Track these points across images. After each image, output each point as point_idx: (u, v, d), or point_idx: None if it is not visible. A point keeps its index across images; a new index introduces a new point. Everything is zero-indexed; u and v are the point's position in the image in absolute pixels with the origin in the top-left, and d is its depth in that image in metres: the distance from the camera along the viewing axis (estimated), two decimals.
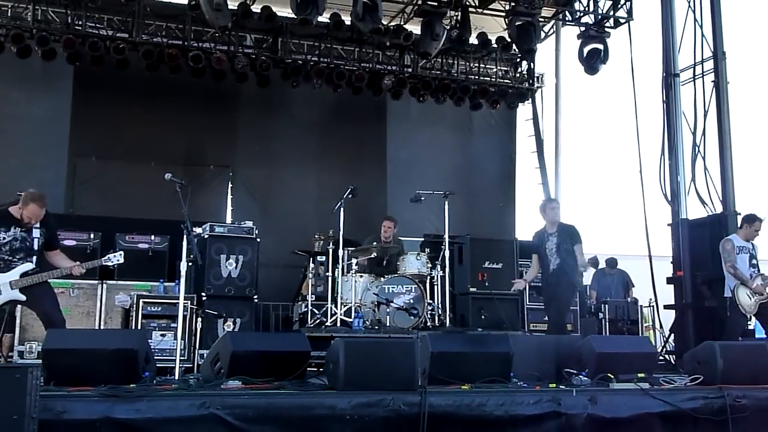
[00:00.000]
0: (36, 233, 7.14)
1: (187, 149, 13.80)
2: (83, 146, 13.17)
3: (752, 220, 9.41)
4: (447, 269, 10.42)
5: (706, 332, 9.85)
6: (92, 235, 10.18)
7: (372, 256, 10.42)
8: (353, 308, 9.79)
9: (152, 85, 13.16)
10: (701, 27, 11.41)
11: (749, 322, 9.57)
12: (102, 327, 9.47)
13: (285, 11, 12.30)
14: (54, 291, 7.37)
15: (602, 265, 14.10)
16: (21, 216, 7.07)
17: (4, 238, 7.05)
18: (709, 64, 11.33)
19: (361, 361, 5.86)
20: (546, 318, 9.98)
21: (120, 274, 9.95)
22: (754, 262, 9.30)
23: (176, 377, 7.26)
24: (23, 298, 7.02)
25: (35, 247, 7.13)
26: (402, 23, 13.70)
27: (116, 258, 7.54)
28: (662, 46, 11.74)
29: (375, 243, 10.60)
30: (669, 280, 11.37)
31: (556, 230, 9.25)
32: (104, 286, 9.72)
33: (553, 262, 9.10)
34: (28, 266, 7.05)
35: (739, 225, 9.65)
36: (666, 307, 11.63)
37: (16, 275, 7.00)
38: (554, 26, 15.34)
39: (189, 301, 8.96)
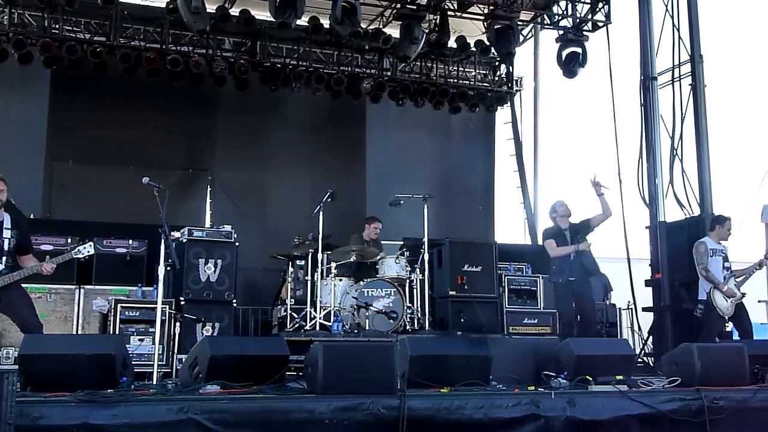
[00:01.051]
0: (6, 233, 7.00)
1: (165, 153, 13.72)
2: (60, 150, 13.08)
3: (722, 221, 9.48)
4: (426, 272, 10.42)
5: (684, 334, 9.89)
6: (69, 240, 10.07)
7: (352, 260, 10.39)
8: (332, 312, 9.76)
9: (130, 89, 13.08)
10: (678, 30, 11.53)
11: (726, 324, 9.63)
12: (80, 332, 9.39)
13: (264, 14, 12.26)
14: (29, 296, 7.28)
15: None
16: None
17: None
18: (687, 68, 11.44)
19: (340, 365, 5.86)
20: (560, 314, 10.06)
21: (98, 279, 9.90)
22: (726, 264, 9.37)
23: (154, 382, 7.20)
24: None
25: (5, 247, 6.98)
26: (381, 27, 13.72)
27: (86, 249, 7.33)
28: (640, 50, 11.83)
29: (355, 246, 10.58)
30: (647, 283, 11.45)
31: (568, 227, 9.57)
32: (82, 290, 9.65)
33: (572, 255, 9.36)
34: None
35: (709, 227, 9.71)
36: (644, 309, 11.70)
37: None
38: (533, 30, 15.41)
39: (167, 306, 8.89)
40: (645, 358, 10.96)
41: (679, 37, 11.51)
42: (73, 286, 9.63)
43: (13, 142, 12.73)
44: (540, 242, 14.79)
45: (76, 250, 7.38)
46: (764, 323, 11.87)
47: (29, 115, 12.99)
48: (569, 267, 9.28)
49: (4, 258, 6.96)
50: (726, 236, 9.44)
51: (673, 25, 11.56)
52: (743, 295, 9.23)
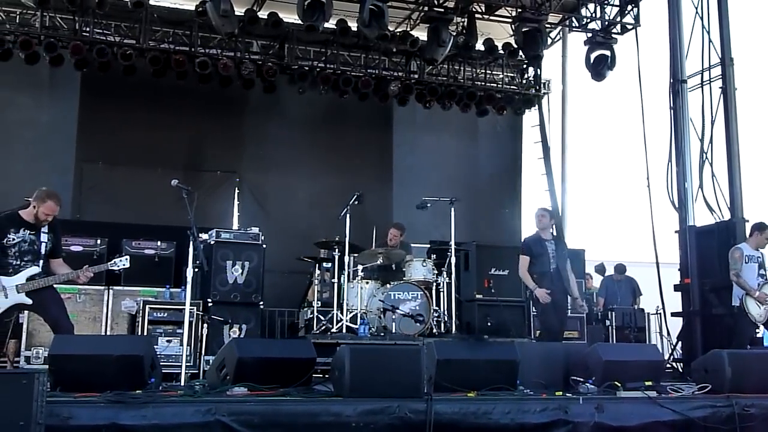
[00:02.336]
0: (44, 237, 7.09)
1: (193, 155, 13.84)
2: (90, 152, 13.22)
3: (763, 228, 9.36)
4: (453, 276, 10.40)
5: (714, 340, 9.81)
6: (99, 241, 10.21)
7: (378, 263, 10.39)
8: (359, 315, 9.77)
9: (159, 91, 13.20)
10: (709, 33, 11.39)
11: (758, 330, 9.51)
12: (108, 332, 9.47)
13: (291, 17, 12.30)
14: (61, 297, 7.35)
15: (609, 271, 14.04)
16: (36, 215, 6.99)
17: (13, 240, 6.96)
18: (717, 71, 11.30)
19: (366, 368, 5.85)
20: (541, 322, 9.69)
21: (126, 280, 9.96)
22: (762, 271, 9.26)
23: (182, 383, 7.25)
24: (29, 301, 6.95)
25: (42, 251, 7.08)
26: (408, 29, 13.72)
27: (122, 262, 7.41)
28: (669, 52, 11.70)
29: (381, 250, 10.57)
30: (676, 288, 11.32)
31: (551, 238, 9.36)
32: (110, 291, 9.73)
33: (551, 265, 9.09)
34: (35, 270, 6.99)
35: (748, 233, 9.59)
36: (673, 314, 11.57)
37: (23, 279, 6.93)
38: (561, 32, 15.33)
39: (195, 307, 8.97)
40: (674, 364, 10.84)
41: (710, 40, 11.38)
42: (102, 287, 9.71)
43: (43, 143, 12.91)
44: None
45: (112, 262, 7.44)
46: None
47: (59, 117, 13.16)
48: (550, 279, 9.08)
49: (41, 261, 7.05)
50: (764, 244, 9.35)
51: (703, 27, 11.43)
52: None
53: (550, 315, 9.11)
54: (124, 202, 12.92)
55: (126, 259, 7.44)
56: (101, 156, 13.28)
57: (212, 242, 9.73)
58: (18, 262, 6.96)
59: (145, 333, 9.03)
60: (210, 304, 9.49)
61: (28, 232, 7.05)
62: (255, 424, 5.27)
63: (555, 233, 9.61)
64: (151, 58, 12.51)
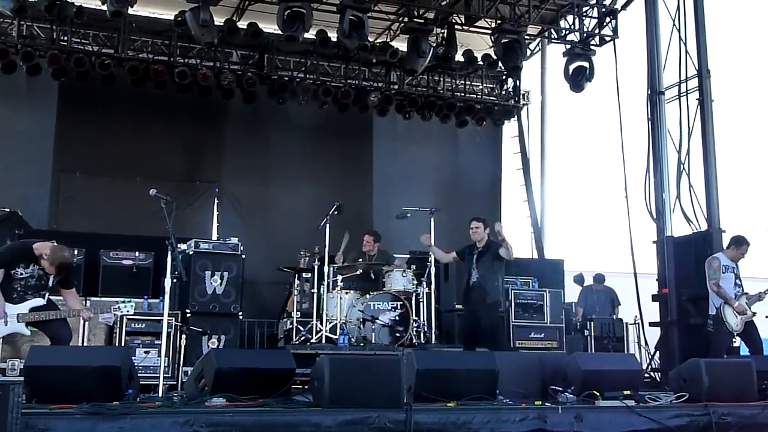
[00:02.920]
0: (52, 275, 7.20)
1: (173, 165, 13.78)
2: (68, 162, 13.13)
3: (740, 243, 9.40)
4: (433, 286, 10.40)
5: (691, 350, 9.86)
6: (76, 252, 10.07)
7: (358, 272, 10.38)
8: (338, 325, 9.75)
9: (138, 101, 13.15)
10: (686, 45, 11.51)
11: (734, 340, 9.58)
12: (86, 344, 9.37)
13: (271, 27, 12.30)
14: (60, 309, 7.33)
15: (588, 281, 14.11)
16: (45, 262, 7.06)
17: (21, 274, 7.04)
18: (694, 82, 11.42)
19: (346, 379, 5.83)
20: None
21: (104, 291, 9.90)
22: (738, 281, 9.33)
23: (160, 394, 7.19)
24: (27, 333, 7.05)
25: (49, 284, 7.19)
26: (388, 40, 13.78)
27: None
28: (647, 64, 11.82)
29: (360, 259, 10.56)
30: (654, 298, 11.40)
31: (483, 246, 9.56)
32: (88, 302, 9.59)
33: (473, 275, 9.36)
34: (39, 302, 7.07)
35: (726, 245, 9.66)
36: (651, 324, 11.64)
37: (26, 309, 7.01)
38: (540, 44, 15.45)
39: (173, 318, 8.90)
40: (652, 373, 10.90)
41: (687, 52, 11.50)
42: (80, 298, 9.59)
43: (20, 153, 12.80)
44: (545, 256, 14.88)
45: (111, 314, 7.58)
46: None
47: (37, 127, 13.06)
48: (465, 295, 9.47)
49: (46, 294, 7.15)
50: (739, 258, 9.40)
51: (680, 39, 11.55)
52: (754, 313, 9.19)
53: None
54: (101, 212, 12.82)
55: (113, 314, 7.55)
56: (79, 166, 13.19)
57: (191, 252, 9.67)
58: (23, 293, 7.05)
59: (123, 344, 8.95)
60: (189, 315, 9.43)
61: (37, 267, 7.13)
62: None
63: (485, 245, 9.65)
64: (129, 68, 12.47)
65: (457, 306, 10.75)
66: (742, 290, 9.28)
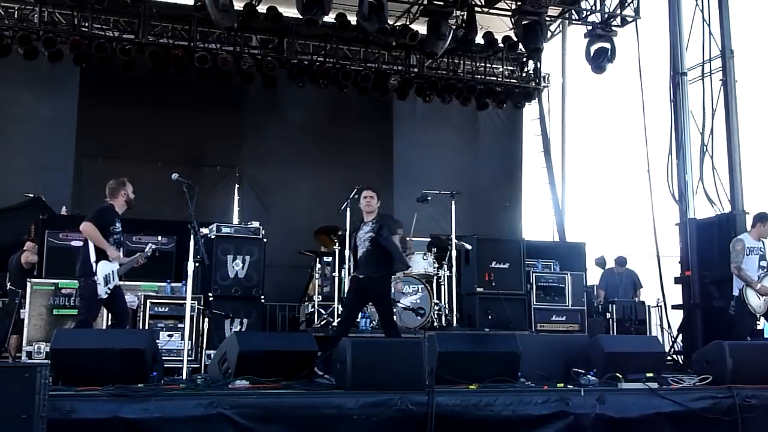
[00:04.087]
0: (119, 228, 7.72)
1: (193, 150, 13.82)
2: (90, 147, 13.21)
3: (764, 218, 9.32)
4: (454, 269, 10.40)
5: (715, 332, 9.80)
6: None
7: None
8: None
9: (159, 86, 13.20)
10: (709, 25, 11.37)
11: (758, 322, 9.51)
12: (110, 327, 9.46)
13: (291, 12, 12.30)
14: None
15: (610, 264, 14.05)
16: (127, 200, 7.88)
17: (117, 228, 7.69)
18: (717, 63, 11.29)
19: (368, 361, 5.87)
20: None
21: (127, 275, 9.91)
22: (763, 263, 9.24)
23: (184, 377, 7.25)
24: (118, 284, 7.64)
25: (122, 240, 7.88)
26: (408, 23, 13.71)
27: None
28: (669, 45, 11.69)
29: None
30: (677, 280, 11.33)
31: (372, 219, 8.06)
32: None
33: (360, 252, 7.96)
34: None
35: (750, 224, 9.57)
36: (674, 307, 11.58)
37: (117, 265, 7.59)
38: (561, 25, 15.33)
39: (196, 302, 8.95)
40: (674, 356, 10.85)
41: (710, 32, 11.37)
42: None
43: (43, 139, 12.91)
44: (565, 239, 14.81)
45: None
46: None
47: (59, 113, 13.15)
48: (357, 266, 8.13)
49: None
50: (765, 235, 9.30)
51: (703, 19, 11.42)
52: None
53: (348, 296, 8.27)
54: None
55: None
56: (101, 151, 13.26)
57: (213, 237, 9.72)
58: (116, 248, 7.67)
59: (147, 328, 9.02)
60: (211, 299, 9.48)
61: (119, 224, 7.75)
62: (257, 417, 5.29)
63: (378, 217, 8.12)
64: (150, 53, 12.52)
65: (477, 289, 10.72)
66: (766, 271, 9.19)
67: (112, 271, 7.49)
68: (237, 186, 14.04)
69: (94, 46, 12.21)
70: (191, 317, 8.02)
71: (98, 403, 5.12)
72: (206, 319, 9.10)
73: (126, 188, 7.87)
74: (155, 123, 13.43)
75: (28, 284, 9.15)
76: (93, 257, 7.42)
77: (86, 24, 12.33)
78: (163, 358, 7.30)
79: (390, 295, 8.12)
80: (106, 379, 5.44)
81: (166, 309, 9.27)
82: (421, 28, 13.17)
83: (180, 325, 8.90)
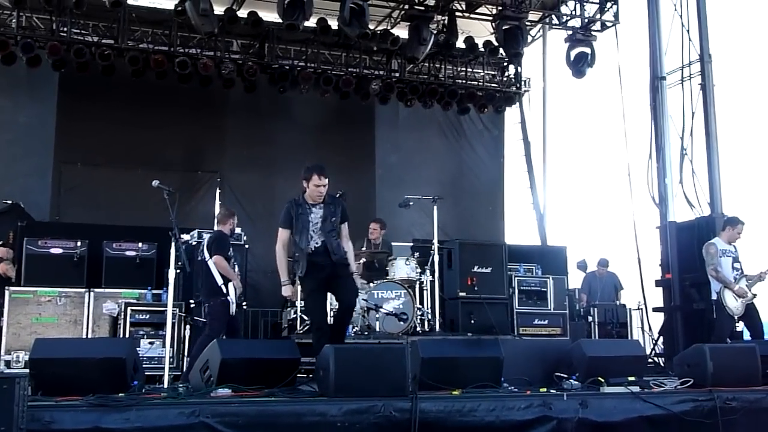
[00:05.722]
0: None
1: (174, 155, 13.76)
2: (69, 153, 13.12)
3: (734, 223, 9.44)
4: (436, 274, 10.39)
5: (695, 335, 9.89)
6: (79, 243, 10.09)
7: (361, 261, 10.36)
8: None
9: (139, 91, 13.12)
10: (688, 30, 11.48)
11: (737, 324, 9.58)
12: (90, 335, 9.41)
13: (272, 16, 12.26)
14: None
15: (592, 268, 14.11)
16: (231, 230, 8.79)
17: (231, 253, 8.57)
18: (696, 67, 11.39)
19: (351, 368, 5.83)
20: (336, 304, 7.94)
21: (107, 282, 9.91)
22: (736, 265, 9.33)
23: (165, 385, 7.20)
24: None
25: None
26: (389, 28, 13.72)
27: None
28: (649, 50, 11.78)
29: (364, 248, 10.55)
30: (657, 283, 11.40)
31: (321, 203, 7.56)
32: (92, 294, 9.66)
33: (316, 238, 7.42)
34: None
35: (721, 228, 9.67)
36: (655, 309, 11.65)
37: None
38: (541, 30, 15.39)
39: (177, 309, 8.91)
40: (655, 359, 10.92)
41: (689, 37, 11.46)
42: (83, 290, 9.65)
43: (21, 145, 12.82)
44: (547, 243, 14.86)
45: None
46: None
47: (37, 118, 13.05)
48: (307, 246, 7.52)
49: None
50: (735, 239, 9.40)
51: (682, 24, 11.51)
52: (755, 295, 9.20)
53: (321, 292, 7.46)
54: (103, 203, 12.83)
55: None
56: (80, 157, 13.18)
57: (194, 243, 9.67)
58: None
59: (127, 335, 8.97)
60: (193, 306, 9.43)
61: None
62: (240, 426, 5.24)
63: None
64: (130, 58, 12.44)
65: (460, 294, 10.74)
66: (741, 273, 9.28)
67: (237, 292, 8.36)
68: (218, 191, 13.97)
69: (73, 51, 12.11)
70: (172, 324, 7.97)
71: (78, 413, 5.05)
72: (188, 327, 9.05)
73: (234, 219, 8.85)
74: (135, 128, 13.33)
75: (6, 292, 9.07)
76: (220, 280, 8.23)
77: (65, 29, 12.23)
78: (145, 365, 7.27)
79: None
80: (86, 388, 5.37)
81: (147, 316, 9.24)
82: (402, 32, 13.18)
83: (161, 333, 8.86)
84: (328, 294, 7.67)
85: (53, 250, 9.83)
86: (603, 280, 13.83)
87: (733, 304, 9.10)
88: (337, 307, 7.83)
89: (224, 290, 8.23)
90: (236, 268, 8.65)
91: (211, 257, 8.30)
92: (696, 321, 10.42)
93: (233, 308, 8.28)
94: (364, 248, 10.56)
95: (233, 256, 8.63)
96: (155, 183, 7.42)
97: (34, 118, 13.05)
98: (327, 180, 7.41)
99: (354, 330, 9.55)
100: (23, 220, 10.49)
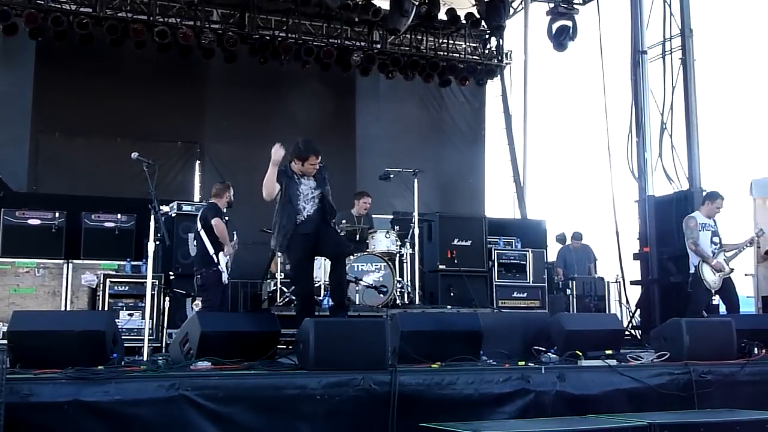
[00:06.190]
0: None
1: (154, 125, 13.63)
2: (46, 122, 12.98)
3: (714, 197, 9.52)
4: (416, 247, 10.41)
5: (672, 308, 9.98)
6: (57, 214, 10.02)
7: (342, 234, 10.36)
8: (322, 286, 9.75)
9: (117, 61, 12.99)
10: (669, 5, 11.44)
11: (714, 298, 9.70)
12: (68, 306, 9.37)
13: None
14: None
15: (568, 241, 14.21)
16: (228, 203, 8.98)
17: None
18: (677, 42, 11.38)
19: (331, 341, 5.85)
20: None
21: (86, 254, 9.86)
22: (715, 239, 9.42)
23: (144, 357, 7.19)
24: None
25: None
26: None
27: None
28: (630, 23, 11.75)
29: (344, 221, 10.54)
30: (635, 256, 11.48)
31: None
32: (70, 265, 9.61)
33: (308, 208, 7.53)
34: None
35: (701, 202, 9.75)
36: (632, 282, 11.75)
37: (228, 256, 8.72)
38: (523, 2, 15.36)
39: (157, 281, 8.89)
40: (632, 331, 11.03)
41: (670, 12, 11.44)
42: (62, 261, 9.60)
43: None
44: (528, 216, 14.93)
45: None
46: (750, 296, 11.96)
47: (14, 87, 12.88)
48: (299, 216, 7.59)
49: None
50: (714, 213, 9.49)
51: None
52: (732, 270, 9.31)
53: (306, 260, 7.51)
54: (82, 173, 12.74)
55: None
56: (58, 126, 13.05)
57: (173, 215, 9.64)
58: None
59: (106, 307, 8.94)
60: (172, 277, 9.42)
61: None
62: (219, 398, 5.26)
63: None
64: (108, 27, 12.28)
65: (440, 267, 10.78)
66: (720, 247, 9.37)
67: (228, 262, 8.53)
68: (198, 162, 13.91)
69: (51, 19, 11.93)
70: (152, 296, 7.95)
71: (57, 386, 5.03)
72: (167, 298, 9.04)
73: (230, 191, 8.98)
74: (114, 98, 13.19)
75: None
76: (211, 249, 8.42)
77: None
78: (124, 337, 7.24)
79: None
80: (65, 361, 5.35)
81: (127, 288, 9.21)
82: (383, 4, 13.09)
83: (140, 304, 8.84)
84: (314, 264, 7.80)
85: (31, 221, 9.75)
86: (578, 252, 13.95)
87: (711, 278, 9.21)
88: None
89: (215, 260, 8.43)
90: (235, 242, 8.91)
91: (203, 227, 8.48)
92: (673, 294, 10.51)
93: (225, 277, 8.50)
94: (344, 221, 10.54)
95: (228, 227, 8.82)
96: (134, 155, 7.32)
97: (10, 86, 12.88)
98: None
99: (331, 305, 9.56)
100: (1, 191, 10.38)
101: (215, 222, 8.47)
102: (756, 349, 7.18)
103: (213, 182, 13.30)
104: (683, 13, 11.33)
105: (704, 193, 9.90)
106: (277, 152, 7.36)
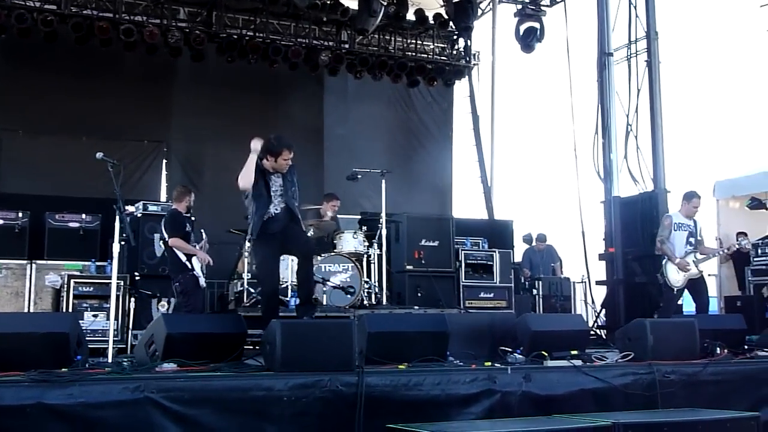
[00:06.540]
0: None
1: (119, 124, 13.47)
2: (10, 121, 12.80)
3: (689, 197, 9.62)
4: (384, 247, 10.43)
5: (636, 307, 10.11)
6: (20, 214, 9.90)
7: (309, 234, 10.34)
8: (289, 287, 9.73)
9: (83, 59, 12.84)
10: (635, 7, 11.56)
11: (679, 298, 9.80)
12: (32, 308, 9.27)
13: None
14: None
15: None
16: (188, 206, 8.82)
17: (188, 229, 8.72)
18: (642, 44, 11.50)
19: (298, 342, 5.83)
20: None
21: (50, 254, 9.75)
22: (691, 239, 9.50)
23: (109, 359, 7.12)
24: None
25: None
26: None
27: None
28: (597, 26, 11.86)
29: (311, 222, 10.51)
30: (601, 257, 11.59)
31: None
32: (33, 266, 9.50)
33: (276, 204, 7.53)
34: None
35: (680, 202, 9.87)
36: (598, 282, 11.86)
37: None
38: (491, 4, 15.43)
39: (122, 281, 8.81)
40: (598, 331, 11.14)
41: (636, 14, 11.56)
42: (25, 261, 9.49)
43: None
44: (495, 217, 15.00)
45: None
46: (713, 296, 12.12)
47: None
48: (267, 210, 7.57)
49: None
50: (692, 213, 9.59)
51: (629, 1, 11.61)
52: (700, 272, 9.40)
53: (276, 252, 7.54)
54: (46, 173, 12.56)
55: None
56: (22, 125, 12.87)
57: (139, 215, 9.57)
58: None
59: (71, 308, 8.85)
60: (137, 278, 9.34)
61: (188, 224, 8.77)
62: (185, 401, 5.21)
63: None
64: (73, 25, 12.14)
65: (407, 267, 10.80)
66: (695, 248, 9.43)
67: (202, 266, 8.62)
68: (165, 161, 13.80)
69: (14, 16, 11.75)
70: (117, 297, 7.87)
71: (20, 389, 4.96)
72: (132, 299, 8.96)
73: (191, 196, 8.91)
74: (79, 96, 13.05)
75: None
76: (183, 257, 8.47)
77: None
78: (88, 338, 7.18)
79: None
80: (28, 364, 5.27)
81: (91, 289, 9.13)
82: (352, 4, 13.08)
83: (105, 305, 8.77)
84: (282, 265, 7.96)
85: None
86: (542, 253, 14.07)
87: (674, 276, 9.31)
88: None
89: (189, 266, 8.48)
90: (203, 243, 8.99)
91: (168, 238, 8.48)
92: (637, 294, 10.63)
93: (202, 281, 8.64)
94: (311, 222, 10.52)
95: (190, 231, 8.73)
96: (99, 155, 7.23)
97: None
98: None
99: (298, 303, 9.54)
100: None
101: (172, 243, 8.48)
102: (718, 349, 7.29)
103: (179, 182, 13.42)
104: (649, 15, 11.45)
105: (683, 193, 9.97)
106: (256, 143, 7.36)
